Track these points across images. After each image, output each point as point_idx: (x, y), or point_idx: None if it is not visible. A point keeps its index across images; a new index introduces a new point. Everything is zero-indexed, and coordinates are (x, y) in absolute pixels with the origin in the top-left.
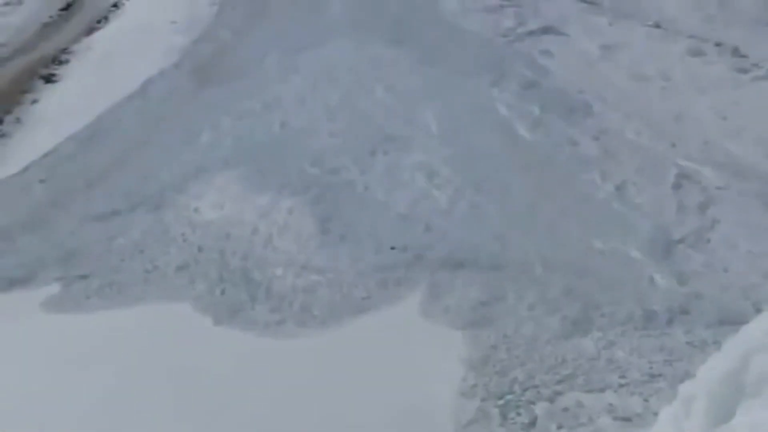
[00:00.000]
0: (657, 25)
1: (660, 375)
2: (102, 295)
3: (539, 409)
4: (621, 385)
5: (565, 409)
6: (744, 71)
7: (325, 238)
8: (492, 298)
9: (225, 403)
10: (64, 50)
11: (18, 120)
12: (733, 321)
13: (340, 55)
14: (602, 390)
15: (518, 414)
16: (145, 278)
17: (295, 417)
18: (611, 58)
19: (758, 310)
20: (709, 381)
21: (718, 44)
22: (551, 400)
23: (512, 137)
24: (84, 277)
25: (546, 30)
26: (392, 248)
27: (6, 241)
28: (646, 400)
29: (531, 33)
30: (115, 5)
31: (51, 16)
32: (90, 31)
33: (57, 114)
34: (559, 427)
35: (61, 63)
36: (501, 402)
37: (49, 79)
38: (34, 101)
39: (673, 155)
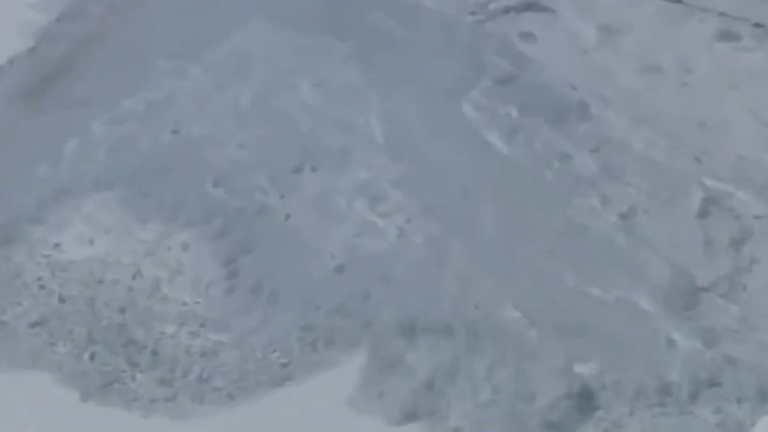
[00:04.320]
0: None
1: None
2: None
3: None
4: None
5: None
6: None
7: (232, 285)
8: (447, 376)
9: None
10: None
11: None
12: None
13: (254, 41)
14: None
15: None
16: None
17: None
18: (613, 44)
19: None
20: None
21: (757, 25)
22: None
23: (482, 149)
24: None
25: (528, 5)
26: (320, 307)
27: None
28: None
29: (508, 9)
30: None
31: None
32: None
33: None
34: None
35: None
36: None
37: None
38: None
39: (698, 173)
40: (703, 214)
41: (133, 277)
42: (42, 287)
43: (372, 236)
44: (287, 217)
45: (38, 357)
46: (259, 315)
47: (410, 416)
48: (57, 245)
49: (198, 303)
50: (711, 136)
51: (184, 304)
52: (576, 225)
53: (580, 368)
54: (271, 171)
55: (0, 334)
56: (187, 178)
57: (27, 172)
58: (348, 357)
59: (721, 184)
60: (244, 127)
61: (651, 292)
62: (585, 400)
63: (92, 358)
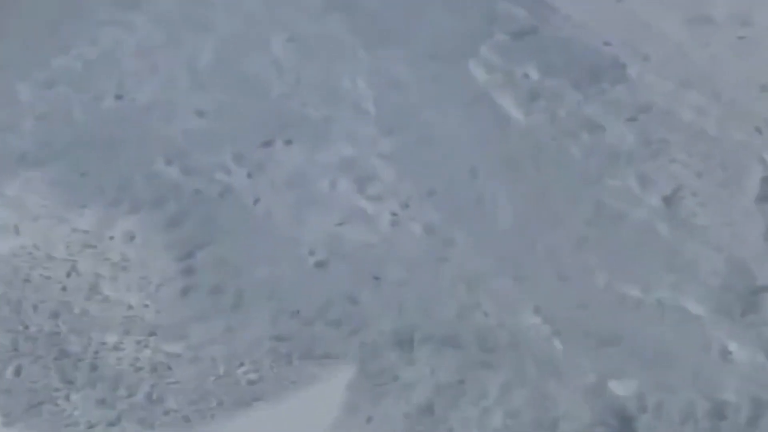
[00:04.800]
0: None
1: None
2: None
3: None
4: None
5: None
6: None
7: (188, 285)
8: (451, 397)
9: None
10: None
11: None
12: None
13: None
14: None
15: None
16: None
17: None
18: None
19: None
20: None
21: None
22: None
23: (496, 118)
24: None
25: None
26: (297, 312)
27: None
28: None
29: None
30: None
31: None
32: None
33: None
34: None
35: None
36: None
37: None
38: None
39: (758, 147)
40: (764, 197)
41: (68, 275)
42: None
43: (360, 225)
44: (256, 201)
45: None
46: (221, 322)
47: None
48: None
49: (146, 306)
50: None
51: (130, 307)
52: (609, 211)
53: (614, 387)
54: (236, 145)
55: None
56: (134, 154)
57: None
58: (330, 373)
59: None
60: (202, 91)
61: (701, 292)
62: (621, 426)
63: (17, 373)
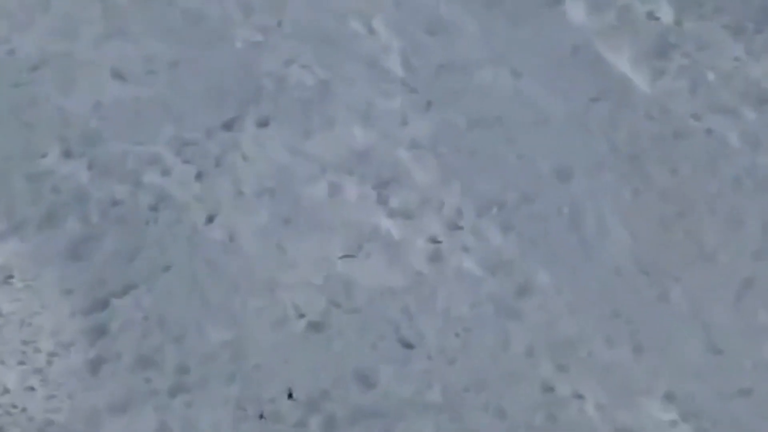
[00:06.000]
0: None
1: None
2: None
3: None
4: None
5: None
6: None
7: (100, 354)
8: None
9: None
10: None
11: None
12: None
13: None
14: None
15: None
16: None
17: None
18: None
19: None
20: None
21: None
22: None
23: (602, 83)
24: None
25: None
26: (289, 396)
27: None
28: None
29: None
30: None
31: None
32: None
33: None
34: None
35: None
36: None
37: None
38: None
39: None
40: None
41: None
42: None
43: (378, 259)
44: (210, 218)
45: None
46: (154, 417)
47: None
48: None
49: (31, 391)
50: None
51: (5, 392)
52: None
53: None
54: (179, 126)
55: None
56: (11, 140)
57: None
58: None
59: None
60: (122, 37)
61: None
62: None
63: None
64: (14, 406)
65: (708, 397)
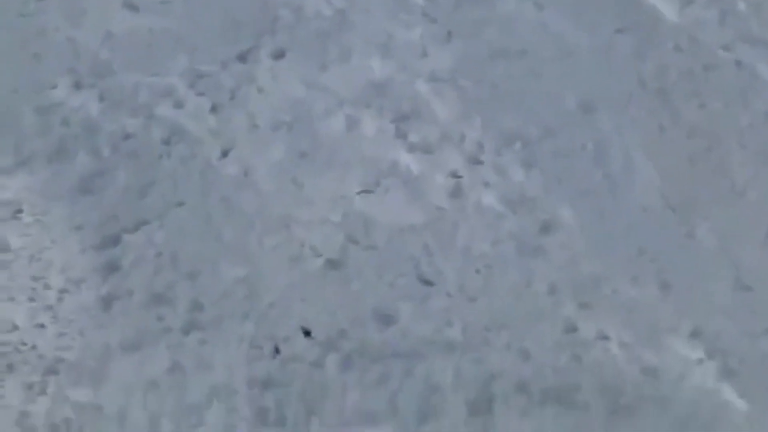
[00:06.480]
0: None
1: None
2: None
3: None
4: None
5: None
6: None
7: (111, 291)
8: None
9: None
10: None
11: None
12: None
13: None
14: None
15: None
16: None
17: None
18: None
19: None
20: None
21: None
22: None
23: (633, 14)
24: None
25: None
26: (306, 333)
27: None
28: None
29: None
30: None
31: None
32: None
33: None
34: None
35: None
36: None
37: None
38: None
39: None
40: None
41: None
42: None
43: (397, 194)
44: (225, 153)
45: None
46: (166, 354)
47: None
48: None
49: (42, 328)
50: None
51: (14, 328)
52: None
53: None
54: (193, 57)
55: None
56: (18, 72)
57: None
58: None
59: None
60: None
61: None
62: None
63: None
64: (24, 343)
65: (735, 335)
